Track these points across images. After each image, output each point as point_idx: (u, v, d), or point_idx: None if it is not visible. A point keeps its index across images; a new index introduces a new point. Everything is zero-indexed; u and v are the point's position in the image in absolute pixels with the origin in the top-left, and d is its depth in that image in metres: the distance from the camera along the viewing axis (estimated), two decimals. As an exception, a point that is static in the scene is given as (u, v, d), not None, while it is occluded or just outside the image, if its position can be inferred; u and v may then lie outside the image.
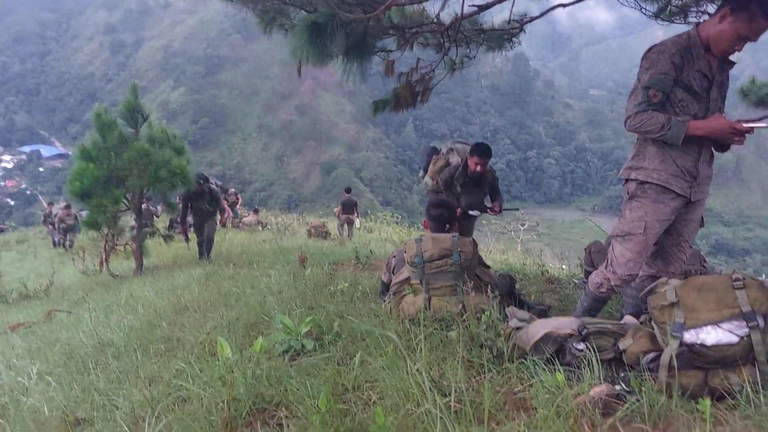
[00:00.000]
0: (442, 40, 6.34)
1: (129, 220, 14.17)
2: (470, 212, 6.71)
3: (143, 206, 15.67)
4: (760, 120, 3.32)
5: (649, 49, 3.41)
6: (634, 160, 3.59)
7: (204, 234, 11.18)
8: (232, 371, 2.86)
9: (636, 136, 3.59)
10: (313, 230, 18.02)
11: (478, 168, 6.37)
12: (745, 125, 3.28)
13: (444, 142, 7.17)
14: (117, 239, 11.47)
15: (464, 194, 6.65)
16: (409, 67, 6.43)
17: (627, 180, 3.65)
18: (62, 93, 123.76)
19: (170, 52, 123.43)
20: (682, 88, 3.36)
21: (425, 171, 7.18)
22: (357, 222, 18.46)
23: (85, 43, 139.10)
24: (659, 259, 3.79)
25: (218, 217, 11.60)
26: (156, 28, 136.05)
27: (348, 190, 18.69)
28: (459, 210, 6.47)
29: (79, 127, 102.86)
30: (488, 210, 6.73)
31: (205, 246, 11.24)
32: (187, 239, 11.67)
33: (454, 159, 6.77)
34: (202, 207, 10.89)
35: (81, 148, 9.51)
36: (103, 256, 11.15)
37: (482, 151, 6.38)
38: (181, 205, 11.10)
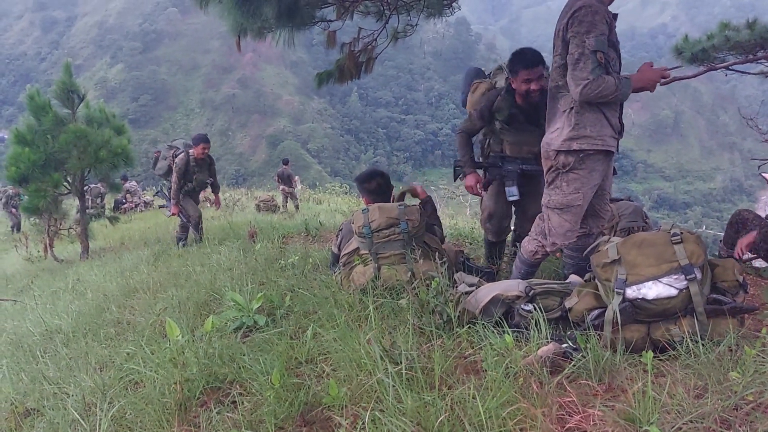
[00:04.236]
0: (382, 8, 6.28)
1: (75, 202, 13.41)
2: (508, 192, 4.67)
3: (93, 185, 15.16)
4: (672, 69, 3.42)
5: (579, 11, 3.28)
6: (575, 131, 3.45)
7: (198, 213, 9.03)
8: (183, 352, 2.84)
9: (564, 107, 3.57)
10: (262, 204, 17.85)
11: (531, 86, 4.20)
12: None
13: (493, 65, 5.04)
14: (60, 223, 11.14)
15: (509, 132, 4.63)
16: (351, 37, 6.36)
17: (559, 152, 3.54)
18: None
19: (105, 28, 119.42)
20: (611, 46, 3.36)
21: (464, 104, 5.04)
22: (294, 193, 18.34)
23: (15, 22, 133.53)
24: (590, 217, 3.82)
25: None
26: (89, 4, 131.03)
27: (285, 162, 18.57)
28: (480, 184, 4.69)
29: (14, 109, 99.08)
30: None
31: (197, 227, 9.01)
32: (188, 220, 8.92)
33: (503, 81, 4.62)
34: (203, 180, 8.88)
35: (15, 132, 9.20)
36: (47, 242, 10.86)
37: (528, 58, 4.20)
38: (174, 179, 8.58)
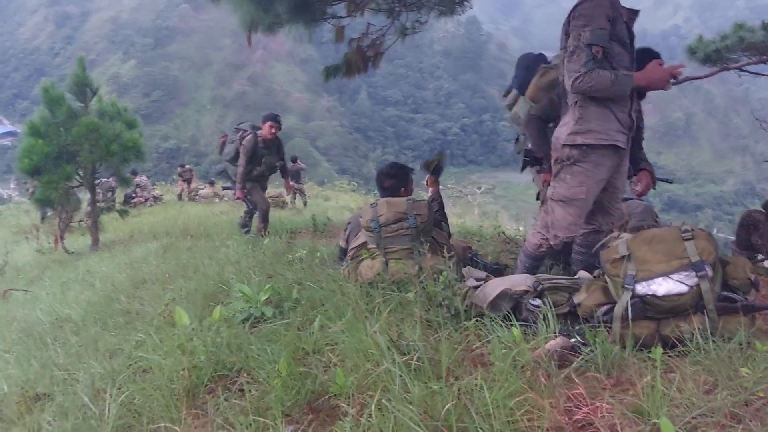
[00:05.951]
0: (393, 6, 6.29)
1: (86, 195, 13.29)
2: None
3: (105, 180, 15.20)
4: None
5: (580, 4, 3.35)
6: (579, 125, 3.48)
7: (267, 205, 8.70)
8: (192, 339, 2.85)
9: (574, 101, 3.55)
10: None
11: None
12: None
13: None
14: (72, 216, 11.19)
15: None
16: (360, 33, 6.37)
17: (564, 145, 3.57)
18: (8, 69, 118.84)
19: (118, 24, 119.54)
20: (616, 41, 3.36)
21: (520, 90, 4.66)
22: (303, 190, 18.54)
23: (29, 17, 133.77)
24: (598, 213, 3.82)
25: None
26: (102, 0, 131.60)
27: (293, 159, 18.64)
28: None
29: (28, 103, 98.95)
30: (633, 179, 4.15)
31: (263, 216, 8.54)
32: (254, 208, 8.60)
33: None
34: (272, 164, 8.44)
35: (29, 124, 9.27)
36: (58, 234, 10.90)
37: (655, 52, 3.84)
38: (242, 162, 8.09)
